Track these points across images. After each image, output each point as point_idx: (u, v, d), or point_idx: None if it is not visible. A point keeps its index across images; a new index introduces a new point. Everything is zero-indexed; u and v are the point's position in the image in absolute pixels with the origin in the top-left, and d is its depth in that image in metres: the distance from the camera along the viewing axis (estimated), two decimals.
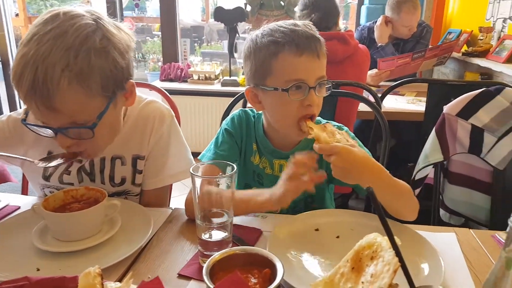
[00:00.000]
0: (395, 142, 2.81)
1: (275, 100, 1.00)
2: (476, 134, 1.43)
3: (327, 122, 1.13)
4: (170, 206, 1.13)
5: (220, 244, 0.80)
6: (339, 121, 1.71)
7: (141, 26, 6.82)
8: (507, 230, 0.52)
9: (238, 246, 0.82)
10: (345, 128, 1.13)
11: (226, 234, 0.81)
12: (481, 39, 2.88)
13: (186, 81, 3.39)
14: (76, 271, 0.64)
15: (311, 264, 0.83)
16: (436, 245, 0.86)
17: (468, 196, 1.52)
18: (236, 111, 1.18)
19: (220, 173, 0.82)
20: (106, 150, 1.05)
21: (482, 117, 1.42)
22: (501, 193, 1.46)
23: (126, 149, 1.08)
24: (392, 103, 2.37)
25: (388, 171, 0.93)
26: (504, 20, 2.74)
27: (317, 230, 0.94)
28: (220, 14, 3.29)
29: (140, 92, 1.14)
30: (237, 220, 0.97)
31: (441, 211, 1.60)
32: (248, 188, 1.14)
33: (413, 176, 1.58)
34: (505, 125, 1.40)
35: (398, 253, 0.54)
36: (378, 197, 0.90)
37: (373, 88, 2.64)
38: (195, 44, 5.85)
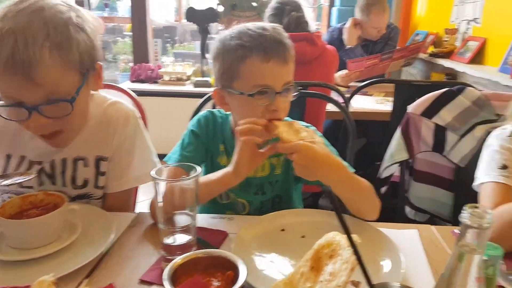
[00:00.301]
0: (365, 141, 2.87)
1: (241, 103, 1.00)
2: (439, 133, 1.47)
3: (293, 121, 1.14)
4: (137, 211, 1.11)
5: (184, 248, 0.79)
6: (309, 121, 1.72)
7: (112, 26, 6.69)
8: (460, 225, 0.53)
9: (203, 249, 0.81)
10: (313, 127, 1.14)
11: (190, 237, 0.80)
12: (446, 41, 2.97)
13: (157, 82, 3.34)
14: (31, 280, 0.62)
15: (277, 264, 0.83)
16: (398, 242, 0.87)
17: (432, 193, 1.56)
18: (203, 112, 1.17)
19: (184, 175, 0.81)
20: (68, 150, 1.03)
21: (445, 116, 1.46)
22: (463, 190, 1.50)
23: (89, 150, 1.05)
24: (361, 103, 2.41)
25: (348, 168, 0.95)
26: (468, 22, 2.83)
27: (283, 230, 0.95)
28: (192, 14, 3.26)
29: (106, 93, 1.13)
30: (202, 222, 0.96)
31: (407, 209, 1.64)
32: None
33: (379, 175, 1.61)
34: (467, 123, 1.44)
35: (356, 251, 0.55)
36: (338, 193, 0.94)
37: (343, 89, 2.69)
38: (168, 45, 5.79)
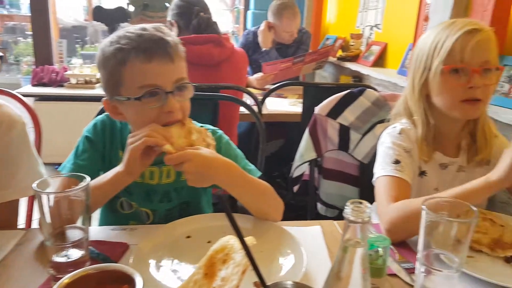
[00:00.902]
0: (283, 142, 2.95)
1: (133, 110, 0.94)
2: (344, 132, 1.55)
3: (201, 126, 1.12)
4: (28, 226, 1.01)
5: (76, 264, 0.73)
6: (222, 124, 1.72)
7: (12, 25, 6.11)
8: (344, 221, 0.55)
9: (101, 263, 0.76)
10: (220, 132, 1.13)
11: (82, 252, 0.74)
12: (352, 45, 3.16)
13: (62, 86, 3.10)
14: None
15: (181, 273, 0.80)
16: (302, 239, 0.89)
17: (340, 189, 1.64)
18: (99, 116, 1.10)
19: (73, 186, 0.75)
20: None
21: (348, 116, 1.54)
22: (367, 185, 1.60)
23: None
24: (276, 105, 2.47)
25: (240, 169, 0.95)
26: (371, 28, 3.04)
27: (188, 237, 0.92)
28: (99, 14, 3.11)
29: None
30: (101, 235, 0.91)
31: (319, 205, 1.70)
32: (116, 199, 1.07)
33: (291, 174, 1.65)
34: (368, 123, 1.54)
35: (248, 253, 0.55)
36: (235, 194, 0.93)
37: (258, 91, 2.74)
38: (78, 46, 5.43)
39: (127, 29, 0.94)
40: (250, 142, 2.02)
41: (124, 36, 0.92)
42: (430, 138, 1.11)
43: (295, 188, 1.70)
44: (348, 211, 0.53)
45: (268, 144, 3.03)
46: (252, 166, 1.08)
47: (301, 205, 1.73)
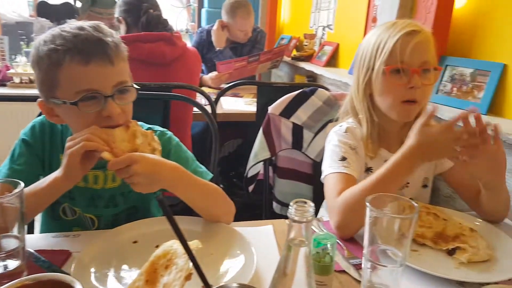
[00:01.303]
0: (241, 141, 2.94)
1: (70, 114, 0.89)
2: (297, 131, 1.57)
3: (149, 127, 1.09)
4: None
5: (12, 275, 0.69)
6: (176, 125, 1.69)
7: None
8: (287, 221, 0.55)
9: (45, 272, 0.72)
10: (169, 133, 1.10)
11: (18, 262, 0.70)
12: (306, 45, 3.20)
13: (5, 85, 2.92)
14: None
15: (128, 280, 0.77)
16: (254, 239, 0.89)
17: (294, 187, 1.66)
18: (38, 117, 1.04)
19: (7, 192, 0.70)
20: None
21: (301, 115, 1.56)
22: (320, 183, 1.63)
23: None
24: (231, 105, 2.46)
25: (185, 170, 0.93)
26: (324, 28, 3.09)
27: (135, 242, 0.89)
28: (44, 9, 2.96)
29: None
30: (42, 243, 0.87)
31: (274, 204, 1.71)
32: (58, 205, 1.02)
33: (245, 174, 1.65)
34: (320, 122, 1.57)
35: (191, 257, 0.53)
36: (184, 197, 0.91)
37: (213, 90, 2.72)
38: (22, 43, 5.14)
39: (63, 27, 0.88)
40: (206, 142, 2.00)
41: (59, 36, 0.86)
42: (375, 136, 1.15)
43: (250, 187, 1.69)
44: (291, 211, 0.53)
45: (226, 144, 3.03)
46: (203, 168, 1.06)
47: (258, 204, 1.73)
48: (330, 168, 1.10)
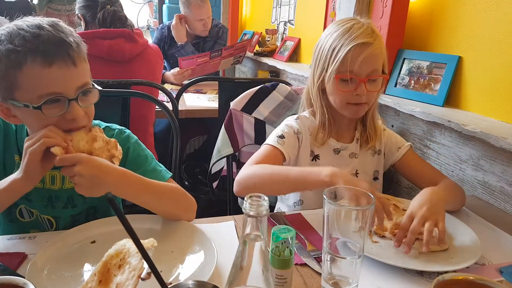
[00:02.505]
0: (206, 137, 2.92)
1: (31, 116, 0.85)
2: (259, 127, 1.57)
3: (106, 126, 1.06)
4: None
5: None
6: (137, 123, 1.65)
7: None
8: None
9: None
10: (127, 131, 1.07)
11: None
12: (268, 40, 3.21)
13: None
14: None
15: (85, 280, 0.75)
16: (214, 235, 0.88)
17: None
18: None
19: None
20: None
21: (262, 111, 1.56)
22: None
23: None
24: (194, 101, 2.44)
25: (136, 174, 0.91)
26: (285, 23, 3.11)
27: (93, 242, 0.87)
28: None
29: None
30: None
31: (239, 200, 1.71)
32: (14, 207, 0.97)
33: (209, 170, 1.64)
34: (282, 116, 1.57)
35: (145, 255, 0.52)
36: (135, 201, 0.90)
37: (176, 87, 2.68)
38: None
39: (19, 25, 0.83)
40: (170, 140, 1.97)
41: (18, 35, 0.81)
42: (327, 126, 1.21)
43: (214, 184, 1.68)
44: (246, 205, 0.53)
45: (191, 141, 2.99)
46: (162, 167, 1.04)
47: (223, 200, 1.73)
48: (267, 141, 1.19)
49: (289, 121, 1.24)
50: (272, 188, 1.08)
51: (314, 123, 1.22)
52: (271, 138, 1.19)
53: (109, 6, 1.81)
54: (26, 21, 0.84)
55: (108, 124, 1.06)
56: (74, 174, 0.79)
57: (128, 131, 1.07)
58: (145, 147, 1.07)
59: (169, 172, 1.03)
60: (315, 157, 1.23)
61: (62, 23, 0.87)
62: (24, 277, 0.67)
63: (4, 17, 3.07)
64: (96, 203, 1.04)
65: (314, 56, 1.21)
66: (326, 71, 1.14)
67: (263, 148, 1.17)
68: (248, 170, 1.08)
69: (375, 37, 1.10)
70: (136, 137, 1.07)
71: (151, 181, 0.92)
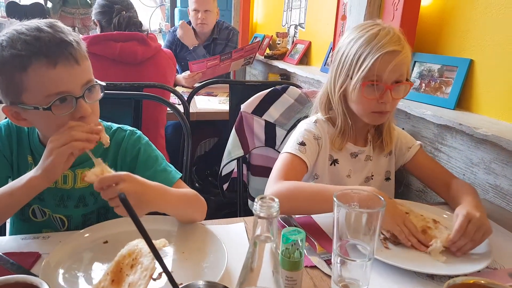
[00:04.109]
0: (217, 140, 2.94)
1: (41, 118, 0.87)
2: (270, 129, 1.58)
3: (118, 127, 1.07)
4: None
5: None
6: (148, 125, 1.67)
7: None
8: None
9: (15, 274, 0.70)
10: (138, 132, 1.09)
11: None
12: (279, 43, 3.22)
13: None
14: None
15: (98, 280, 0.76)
16: (225, 237, 0.89)
17: None
18: (3, 120, 1.01)
19: None
20: None
21: (273, 113, 1.57)
22: None
23: None
24: (205, 104, 2.45)
25: (169, 188, 0.92)
26: (296, 27, 3.12)
27: (106, 242, 0.88)
28: (13, 9, 2.87)
29: None
30: (11, 245, 0.86)
31: (249, 202, 1.72)
32: (27, 207, 0.99)
33: (220, 172, 1.65)
34: (292, 119, 1.58)
35: (157, 256, 0.53)
36: (165, 212, 0.91)
37: (188, 89, 2.70)
38: None
39: (18, 29, 0.85)
40: (181, 141, 1.99)
41: (19, 39, 0.83)
42: (347, 131, 1.20)
43: (225, 186, 1.69)
44: (257, 207, 0.53)
45: (202, 143, 3.01)
46: (172, 168, 1.05)
47: (233, 202, 1.74)
48: (287, 148, 1.16)
49: (308, 126, 1.21)
50: (311, 210, 1.04)
51: (331, 128, 1.21)
52: (292, 145, 1.16)
53: (124, 12, 1.85)
54: (24, 25, 0.86)
55: (120, 126, 1.08)
56: (116, 194, 0.78)
57: (139, 132, 1.09)
58: (156, 148, 1.09)
59: (179, 172, 1.05)
60: (334, 162, 1.23)
61: (59, 23, 0.89)
62: (38, 276, 0.68)
63: (16, 19, 3.16)
64: (107, 203, 1.06)
65: (336, 63, 1.17)
66: (351, 78, 1.11)
67: (285, 157, 1.14)
68: (281, 189, 1.02)
69: (403, 45, 1.08)
70: (147, 138, 1.09)
71: (176, 191, 0.93)
